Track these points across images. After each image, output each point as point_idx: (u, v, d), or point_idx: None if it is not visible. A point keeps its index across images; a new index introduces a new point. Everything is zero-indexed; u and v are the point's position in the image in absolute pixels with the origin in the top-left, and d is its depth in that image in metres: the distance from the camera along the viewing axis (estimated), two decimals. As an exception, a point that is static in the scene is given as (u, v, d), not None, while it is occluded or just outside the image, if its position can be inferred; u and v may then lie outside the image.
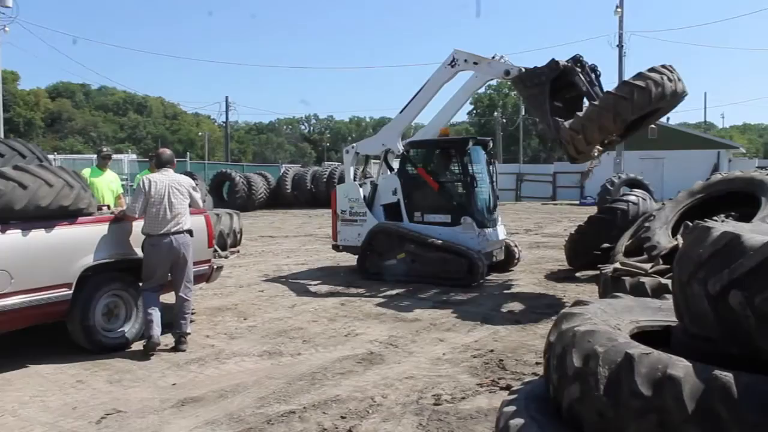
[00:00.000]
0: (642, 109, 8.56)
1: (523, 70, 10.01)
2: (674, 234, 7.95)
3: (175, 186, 6.76)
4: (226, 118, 57.73)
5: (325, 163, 47.10)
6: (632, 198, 10.69)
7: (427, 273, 10.41)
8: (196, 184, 9.22)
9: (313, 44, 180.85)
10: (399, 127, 11.59)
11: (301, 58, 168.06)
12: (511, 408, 2.69)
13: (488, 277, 10.69)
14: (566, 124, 8.89)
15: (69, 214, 6.32)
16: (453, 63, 10.61)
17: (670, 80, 8.52)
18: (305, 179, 31.98)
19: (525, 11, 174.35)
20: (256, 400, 5.24)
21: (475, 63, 10.49)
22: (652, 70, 8.58)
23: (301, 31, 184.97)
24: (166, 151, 7.29)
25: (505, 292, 9.79)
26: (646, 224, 8.95)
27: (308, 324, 7.89)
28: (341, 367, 6.12)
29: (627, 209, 10.33)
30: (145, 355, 6.52)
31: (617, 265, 7.71)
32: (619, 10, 34.45)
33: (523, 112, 62.30)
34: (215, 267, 7.92)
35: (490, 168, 11.52)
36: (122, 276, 6.85)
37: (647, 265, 7.48)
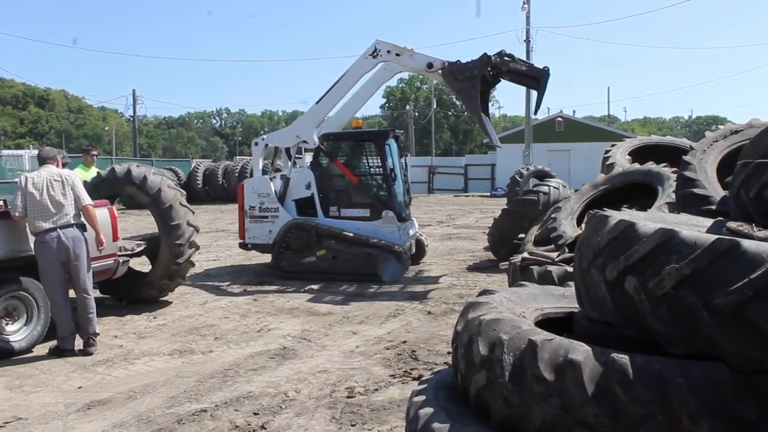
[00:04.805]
0: None
1: (446, 63, 10.16)
2: (579, 224, 8.25)
3: (53, 179, 6.52)
4: (134, 111, 56.02)
5: (237, 157, 46.39)
6: (543, 188, 10.97)
7: (350, 269, 10.20)
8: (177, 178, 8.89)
9: (224, 37, 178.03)
10: (315, 118, 11.03)
11: (211, 50, 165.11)
12: (421, 398, 2.71)
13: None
14: None
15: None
16: (375, 53, 10.45)
17: None
18: (217, 174, 31.46)
19: (434, 6, 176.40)
20: (166, 400, 5.12)
21: (398, 54, 10.40)
22: None
23: (212, 24, 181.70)
24: (47, 149, 7.10)
25: (417, 283, 9.88)
26: (553, 215, 9.25)
27: (220, 321, 7.77)
28: (254, 363, 6.05)
29: (537, 200, 10.61)
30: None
31: (525, 254, 7.92)
32: (526, 6, 35.20)
33: (434, 105, 62.98)
34: (121, 261, 7.70)
35: (402, 161, 11.58)
36: (20, 276, 6.53)
37: (554, 254, 7.71)
